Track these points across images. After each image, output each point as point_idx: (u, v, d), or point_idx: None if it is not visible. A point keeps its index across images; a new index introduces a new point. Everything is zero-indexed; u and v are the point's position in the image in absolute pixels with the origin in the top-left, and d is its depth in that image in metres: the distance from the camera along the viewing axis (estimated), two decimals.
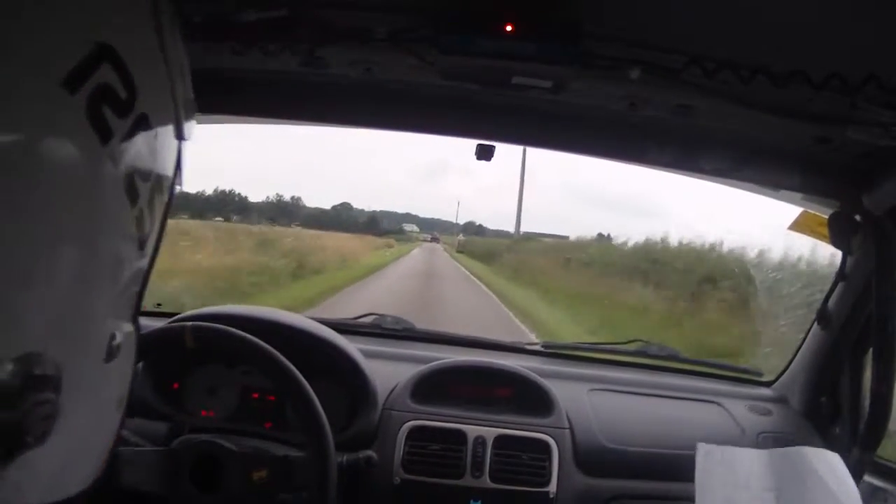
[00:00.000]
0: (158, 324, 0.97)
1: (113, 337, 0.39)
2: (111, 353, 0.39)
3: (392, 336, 1.43)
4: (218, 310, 1.12)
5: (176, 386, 1.09)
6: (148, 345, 0.88)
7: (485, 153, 1.09)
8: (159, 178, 0.40)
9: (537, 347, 1.50)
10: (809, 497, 0.94)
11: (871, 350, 1.10)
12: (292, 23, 0.74)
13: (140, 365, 0.83)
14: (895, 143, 0.83)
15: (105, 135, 0.33)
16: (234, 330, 0.89)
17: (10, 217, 0.29)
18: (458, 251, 30.15)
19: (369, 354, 1.19)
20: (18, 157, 0.29)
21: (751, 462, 1.00)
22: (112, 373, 0.40)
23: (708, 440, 1.11)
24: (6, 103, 0.29)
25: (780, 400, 1.33)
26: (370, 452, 1.02)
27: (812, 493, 0.94)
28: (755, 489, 0.97)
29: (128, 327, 0.41)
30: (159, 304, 1.41)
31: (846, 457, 1.00)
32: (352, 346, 1.14)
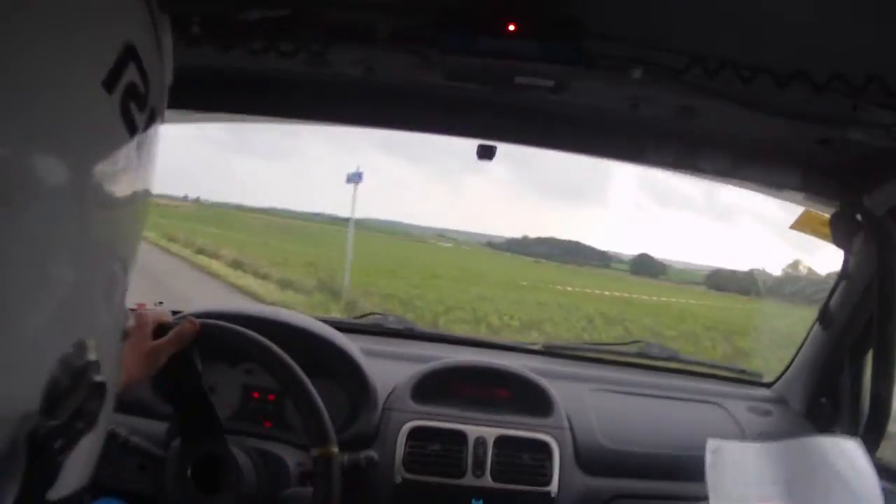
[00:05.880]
0: None
1: (127, 320, 0.45)
2: (125, 335, 0.45)
3: (393, 335, 1.43)
4: (219, 308, 1.12)
5: None
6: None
7: (486, 153, 1.09)
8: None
9: (538, 347, 1.50)
10: (822, 486, 0.93)
11: (871, 350, 1.10)
12: (295, 22, 0.74)
13: None
14: (895, 145, 0.83)
15: (132, 129, 0.36)
16: (236, 326, 0.89)
17: (69, 212, 0.32)
18: None
19: (370, 354, 1.19)
20: (70, 155, 0.32)
21: (761, 456, 1.00)
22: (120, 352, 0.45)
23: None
24: (60, 104, 0.31)
25: (780, 401, 1.34)
26: (371, 452, 1.02)
27: (825, 481, 0.94)
28: (767, 483, 0.96)
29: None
30: (160, 303, 1.40)
31: None
32: (353, 345, 1.14)
